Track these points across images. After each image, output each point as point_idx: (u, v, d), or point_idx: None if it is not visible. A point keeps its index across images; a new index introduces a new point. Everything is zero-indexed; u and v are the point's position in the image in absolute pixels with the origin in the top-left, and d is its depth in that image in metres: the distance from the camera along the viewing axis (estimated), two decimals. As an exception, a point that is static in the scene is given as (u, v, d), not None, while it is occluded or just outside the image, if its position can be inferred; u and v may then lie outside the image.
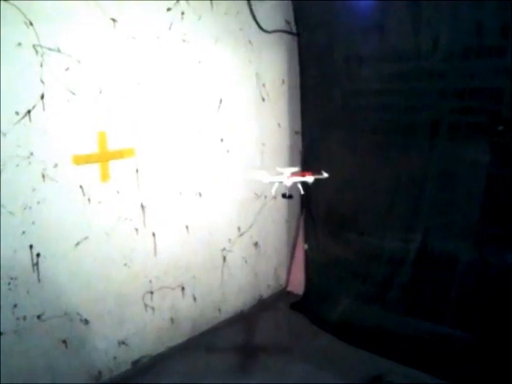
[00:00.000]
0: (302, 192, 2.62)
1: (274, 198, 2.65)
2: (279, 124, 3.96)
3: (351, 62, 3.47)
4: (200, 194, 3.34)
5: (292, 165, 4.07)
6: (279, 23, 3.77)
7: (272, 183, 2.68)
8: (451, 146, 3.03)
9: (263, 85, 3.72)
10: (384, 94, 3.33)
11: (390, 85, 3.30)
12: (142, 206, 2.96)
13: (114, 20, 2.66)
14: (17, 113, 2.32)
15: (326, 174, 2.64)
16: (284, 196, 2.73)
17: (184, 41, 3.07)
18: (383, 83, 3.34)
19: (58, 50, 2.43)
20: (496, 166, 2.89)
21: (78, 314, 2.69)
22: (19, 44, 2.28)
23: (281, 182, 2.63)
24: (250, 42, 3.54)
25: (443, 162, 3.07)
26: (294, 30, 3.86)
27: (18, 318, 2.42)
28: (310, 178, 2.65)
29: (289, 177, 2.60)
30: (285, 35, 3.83)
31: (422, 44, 3.06)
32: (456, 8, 2.88)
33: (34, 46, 2.33)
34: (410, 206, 3.25)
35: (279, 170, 2.70)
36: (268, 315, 3.84)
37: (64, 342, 2.64)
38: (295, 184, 2.71)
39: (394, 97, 3.29)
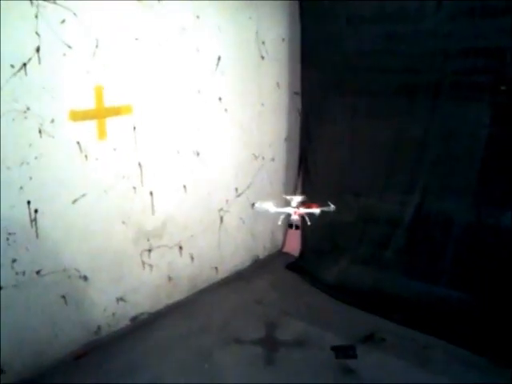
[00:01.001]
0: (309, 223, 2.57)
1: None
2: (278, 84, 3.90)
3: (353, 22, 3.39)
4: (198, 154, 3.32)
5: (291, 126, 4.06)
6: (281, -21, 3.66)
7: (279, 213, 2.66)
8: (452, 107, 3.00)
9: (263, 42, 3.64)
10: (386, 54, 3.26)
11: (393, 46, 3.22)
12: (140, 165, 2.95)
13: (110, -30, 2.57)
14: (12, 66, 2.26)
15: (332, 206, 2.59)
16: (291, 227, 3.07)
17: (183, -4, 2.99)
18: (386, 44, 3.26)
19: (54, 1, 2.35)
20: (497, 126, 2.87)
21: (77, 270, 2.71)
22: (13, -7, 2.21)
23: (288, 214, 2.63)
24: (249, -3, 3.45)
25: (444, 123, 3.05)
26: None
27: (17, 273, 2.44)
28: (316, 211, 2.61)
29: (296, 209, 2.58)
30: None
31: (426, 4, 2.99)
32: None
33: (28, -4, 2.26)
34: (408, 168, 3.25)
35: (287, 197, 2.72)
36: (264, 275, 3.89)
37: (63, 297, 2.67)
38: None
39: (396, 58, 3.22)
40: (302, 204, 2.62)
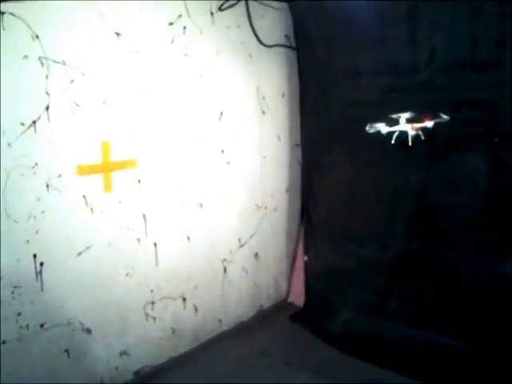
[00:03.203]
0: (423, 137, 2.61)
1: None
2: (279, 137, 4.01)
3: (350, 74, 3.51)
4: (201, 205, 3.38)
5: (292, 177, 4.13)
6: (279, 38, 3.85)
7: (392, 133, 2.71)
8: (449, 157, 3.06)
9: (263, 98, 3.78)
10: (382, 105, 3.35)
11: (388, 97, 3.32)
12: (144, 217, 3.00)
13: (117, 34, 2.73)
14: (22, 124, 2.37)
15: (445, 116, 2.62)
16: (405, 144, 2.75)
17: (186, 54, 3.14)
18: (381, 95, 3.37)
19: (63, 63, 2.49)
20: (494, 175, 2.92)
21: (81, 322, 2.71)
22: (25, 56, 2.34)
23: (403, 131, 2.69)
24: (250, 55, 3.62)
25: (441, 173, 3.11)
26: (294, 45, 3.92)
27: (21, 327, 2.44)
28: (429, 123, 2.65)
29: (412, 125, 2.64)
30: (285, 49, 3.90)
31: (419, 57, 3.10)
32: (452, 22, 2.94)
33: (39, 58, 2.39)
34: (408, 217, 3.28)
35: (393, 116, 2.74)
36: (268, 326, 3.85)
37: (66, 350, 2.66)
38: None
39: (391, 108, 3.30)
40: (413, 120, 2.65)
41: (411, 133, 2.63)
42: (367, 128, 2.77)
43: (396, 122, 2.64)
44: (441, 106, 3.02)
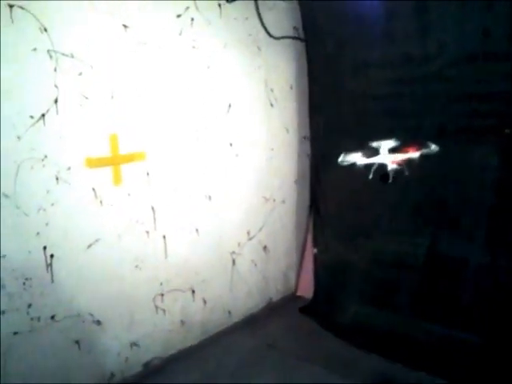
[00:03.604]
0: (407, 173, 2.21)
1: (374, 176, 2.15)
2: (287, 129, 4.00)
3: (359, 67, 3.49)
4: (210, 198, 3.38)
5: (300, 170, 4.12)
6: (287, 30, 3.82)
7: (369, 165, 2.30)
8: (459, 150, 3.03)
9: (271, 90, 3.77)
10: (392, 98, 3.34)
11: (398, 89, 3.30)
12: (153, 209, 3.01)
13: (125, 26, 2.72)
14: (31, 117, 2.37)
15: (434, 146, 2.28)
16: (385, 179, 2.32)
17: (194, 47, 3.13)
18: (391, 88, 3.34)
19: (72, 56, 2.49)
20: (504, 168, 2.89)
21: (91, 314, 2.73)
22: (34, 49, 2.35)
23: (382, 164, 2.26)
24: (258, 48, 3.60)
25: (451, 165, 3.08)
26: (303, 37, 3.90)
27: (32, 318, 2.46)
28: (414, 155, 2.29)
29: (393, 157, 2.21)
30: (293, 41, 3.88)
31: (429, 49, 3.08)
32: (463, 13, 2.91)
33: (48, 51, 2.39)
34: (418, 210, 3.26)
35: (374, 145, 2.38)
36: (277, 318, 3.85)
37: (77, 342, 2.68)
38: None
39: (401, 101, 3.29)
40: (396, 150, 2.23)
41: (392, 167, 2.24)
42: (340, 160, 2.43)
43: (375, 152, 2.24)
44: (450, 98, 3.02)
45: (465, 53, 2.95)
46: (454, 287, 3.13)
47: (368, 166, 2.37)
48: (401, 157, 2.22)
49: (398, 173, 2.43)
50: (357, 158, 2.26)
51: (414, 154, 2.29)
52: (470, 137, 3.01)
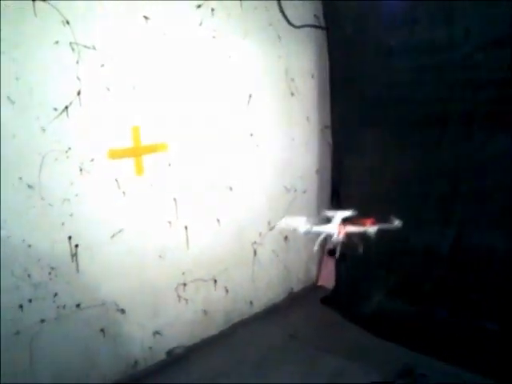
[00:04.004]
0: (361, 250, 1.86)
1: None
2: (308, 118, 3.97)
3: (382, 54, 3.43)
4: (231, 188, 3.39)
5: (322, 158, 4.09)
6: (308, 18, 3.79)
7: (316, 235, 1.96)
8: (485, 136, 2.97)
9: (292, 79, 3.74)
10: (416, 86, 3.27)
11: (422, 77, 3.23)
12: (175, 200, 3.03)
13: (146, 17, 2.73)
14: (55, 109, 2.41)
15: (398, 222, 1.98)
16: (332, 253, 2.00)
17: (214, 37, 3.12)
18: (415, 75, 3.27)
19: (93, 48, 2.51)
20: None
21: (115, 303, 2.78)
22: (57, 42, 2.37)
23: (329, 235, 1.92)
24: (279, 37, 3.57)
25: (477, 153, 3.01)
26: (323, 25, 3.86)
27: (58, 307, 2.52)
28: (372, 229, 1.95)
29: (340, 226, 1.88)
30: (314, 30, 3.84)
31: (455, 34, 3.00)
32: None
33: (70, 43, 2.42)
34: (443, 198, 3.21)
35: (327, 213, 2.09)
36: (299, 309, 3.86)
37: (102, 330, 2.73)
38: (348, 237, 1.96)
39: (425, 88, 3.22)
40: (350, 221, 1.97)
41: (338, 238, 1.86)
42: (276, 225, 2.09)
43: (328, 221, 1.90)
44: (477, 85, 2.95)
45: (492, 38, 2.86)
46: (480, 276, 3.07)
47: (314, 235, 2.03)
48: (353, 229, 1.91)
49: (350, 248, 2.06)
50: (299, 226, 1.96)
51: (370, 228, 2.01)
52: (497, 123, 2.93)
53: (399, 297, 3.50)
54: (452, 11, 3.01)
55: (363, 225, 1.94)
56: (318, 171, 4.12)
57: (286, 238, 3.91)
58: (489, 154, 2.99)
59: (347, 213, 2.01)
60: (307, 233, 1.91)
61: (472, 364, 2.89)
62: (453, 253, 3.19)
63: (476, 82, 2.97)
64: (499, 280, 2.98)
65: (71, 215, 2.52)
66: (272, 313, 3.80)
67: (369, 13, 3.46)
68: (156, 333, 3.03)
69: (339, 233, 1.82)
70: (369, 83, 3.55)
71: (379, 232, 3.50)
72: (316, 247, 1.98)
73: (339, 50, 3.79)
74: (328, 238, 1.92)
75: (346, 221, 1.96)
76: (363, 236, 1.85)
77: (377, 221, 1.90)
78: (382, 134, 3.52)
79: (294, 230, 1.95)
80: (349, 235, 1.89)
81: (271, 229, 3.76)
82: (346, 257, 3.92)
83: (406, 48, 3.29)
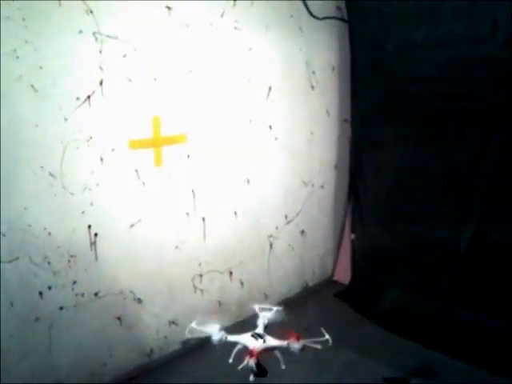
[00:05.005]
0: (283, 366, 1.61)
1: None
2: (328, 112, 3.94)
3: (404, 48, 3.39)
4: (248, 181, 3.38)
5: (340, 153, 4.06)
6: (330, 10, 3.74)
7: (226, 346, 1.70)
8: (507, 133, 2.93)
9: (313, 72, 3.71)
10: (438, 81, 3.23)
11: (444, 72, 3.19)
12: (193, 191, 3.03)
13: (168, 8, 2.72)
14: (78, 98, 2.42)
15: (327, 337, 1.77)
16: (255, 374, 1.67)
17: (235, 28, 3.10)
18: (437, 70, 3.23)
19: (116, 38, 2.51)
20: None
21: (132, 292, 2.80)
22: (80, 31, 2.37)
23: (243, 346, 1.68)
24: (300, 29, 3.54)
25: (498, 149, 2.98)
26: (346, 17, 3.81)
27: (76, 294, 2.55)
28: (296, 345, 1.72)
29: (256, 344, 1.62)
30: (336, 22, 3.79)
31: (479, 29, 2.95)
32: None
33: (93, 33, 2.42)
34: (462, 194, 3.17)
35: (255, 307, 1.85)
36: (313, 303, 3.85)
37: (119, 318, 2.76)
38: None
39: (448, 84, 3.18)
40: (274, 329, 1.68)
41: (250, 362, 1.63)
42: (186, 334, 1.86)
43: (252, 325, 1.67)
44: (501, 81, 2.90)
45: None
46: (498, 274, 3.04)
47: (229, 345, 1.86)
48: (274, 343, 1.68)
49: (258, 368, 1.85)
50: (213, 332, 1.79)
51: (295, 344, 1.83)
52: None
53: (415, 293, 3.49)
54: (476, 4, 2.95)
55: (286, 338, 1.76)
56: (336, 166, 4.09)
57: (302, 231, 3.90)
58: (509, 150, 2.94)
59: (272, 313, 1.80)
60: (220, 342, 1.73)
61: (487, 362, 2.87)
62: (471, 250, 3.16)
63: (499, 78, 2.92)
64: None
65: (91, 204, 2.54)
66: (286, 306, 3.77)
67: (392, 6, 3.41)
68: (172, 322, 3.06)
69: (251, 353, 1.56)
70: (391, 77, 3.51)
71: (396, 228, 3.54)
72: (231, 360, 1.77)
73: (361, 43, 3.74)
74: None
75: (269, 328, 1.74)
76: (282, 350, 1.62)
77: (299, 337, 1.70)
78: (402, 128, 3.49)
79: (206, 337, 1.74)
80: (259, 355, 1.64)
81: (288, 222, 3.75)
82: (363, 252, 3.92)
83: (428, 42, 3.25)
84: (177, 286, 3.04)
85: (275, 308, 2.00)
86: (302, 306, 3.79)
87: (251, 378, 1.84)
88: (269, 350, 1.72)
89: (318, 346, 1.75)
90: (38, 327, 2.43)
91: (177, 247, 2.99)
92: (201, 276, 3.17)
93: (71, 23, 2.35)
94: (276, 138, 3.53)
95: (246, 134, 3.32)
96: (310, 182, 3.89)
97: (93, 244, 2.58)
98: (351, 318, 3.61)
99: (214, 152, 3.13)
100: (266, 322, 1.85)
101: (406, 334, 3.26)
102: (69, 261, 2.49)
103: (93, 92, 2.46)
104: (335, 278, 4.26)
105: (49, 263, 2.42)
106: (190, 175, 3.01)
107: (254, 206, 3.46)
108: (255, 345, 1.71)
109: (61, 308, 2.49)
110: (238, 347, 1.87)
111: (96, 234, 2.58)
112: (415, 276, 3.48)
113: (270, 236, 3.65)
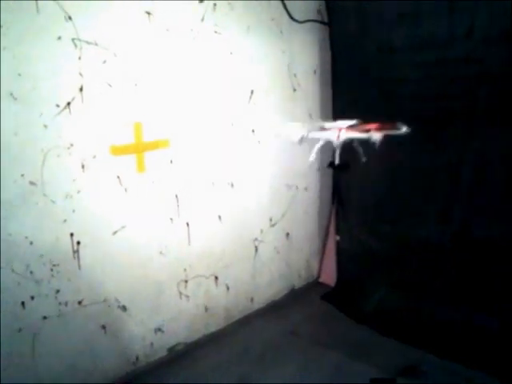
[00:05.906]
0: (364, 159, 1.66)
1: (318, 169, 1.74)
2: (311, 115, 3.95)
3: (384, 50, 3.42)
4: (232, 185, 3.38)
5: (323, 160, 4.06)
6: (311, 13, 3.75)
7: (313, 141, 1.69)
8: (488, 132, 2.97)
9: (295, 75, 3.72)
10: (418, 82, 3.26)
11: (425, 73, 3.22)
12: (176, 196, 3.02)
13: (148, 13, 2.70)
14: (57, 105, 2.39)
15: (404, 129, 1.77)
16: (333, 166, 1.68)
17: (216, 32, 3.10)
18: (417, 71, 3.27)
19: (96, 44, 2.49)
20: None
21: (117, 300, 2.77)
22: (59, 38, 2.34)
23: (328, 141, 1.68)
24: (281, 32, 3.54)
25: (480, 149, 3.02)
26: (326, 20, 3.83)
27: (60, 303, 2.51)
28: (376, 135, 1.74)
29: (339, 130, 1.62)
30: (317, 25, 3.81)
31: (457, 30, 2.99)
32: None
33: (72, 39, 2.39)
34: (445, 194, 3.21)
35: (326, 125, 1.79)
36: (300, 306, 3.86)
37: (103, 327, 2.73)
38: (349, 145, 1.70)
39: (428, 85, 3.22)
40: (354, 127, 1.71)
41: (337, 143, 1.63)
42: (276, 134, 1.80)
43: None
44: (480, 81, 2.94)
45: (497, 32, 2.85)
46: (483, 271, 3.09)
47: (312, 142, 1.81)
48: (355, 135, 1.68)
49: (348, 152, 1.81)
50: (292, 131, 1.69)
51: (375, 135, 1.83)
52: (499, 119, 2.93)
53: (401, 294, 3.52)
54: (455, 4, 2.98)
55: (367, 131, 1.71)
56: (319, 168, 4.10)
57: (287, 234, 3.91)
58: (491, 149, 2.99)
59: (350, 122, 1.76)
60: (302, 140, 1.67)
61: (474, 361, 2.90)
62: (455, 248, 3.20)
63: (478, 77, 2.96)
64: (500, 276, 2.99)
65: (73, 211, 2.51)
66: (273, 310, 3.80)
67: (371, 8, 3.44)
68: (157, 329, 3.03)
69: (338, 137, 1.53)
70: (372, 79, 3.54)
71: (380, 229, 3.57)
72: (313, 156, 1.68)
73: (342, 45, 3.76)
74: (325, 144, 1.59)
75: (349, 127, 1.74)
76: (367, 143, 1.56)
77: (382, 126, 1.62)
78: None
79: (288, 138, 1.67)
80: (350, 142, 1.60)
81: (273, 225, 3.75)
82: (348, 254, 3.94)
83: (408, 44, 3.29)
84: (162, 292, 3.02)
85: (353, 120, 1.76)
86: (289, 309, 3.80)
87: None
88: (351, 141, 1.54)
89: (399, 132, 1.60)
90: (22, 338, 2.40)
91: (161, 253, 2.97)
92: (186, 282, 3.16)
93: (50, 30, 2.32)
94: (259, 142, 3.53)
95: (229, 137, 3.31)
96: (294, 184, 3.90)
97: (76, 252, 2.55)
98: (338, 320, 3.62)
99: (198, 156, 3.12)
100: (343, 123, 1.57)
101: (393, 334, 3.29)
102: (51, 269, 2.46)
103: (73, 98, 2.44)
104: (321, 279, 4.28)
105: (31, 272, 2.39)
106: (174, 180, 2.99)
107: (238, 209, 3.46)
108: (340, 131, 1.53)
109: (44, 318, 2.46)
110: (319, 144, 1.72)
111: (79, 242, 2.55)
112: (400, 276, 3.51)
113: (255, 239, 3.65)
